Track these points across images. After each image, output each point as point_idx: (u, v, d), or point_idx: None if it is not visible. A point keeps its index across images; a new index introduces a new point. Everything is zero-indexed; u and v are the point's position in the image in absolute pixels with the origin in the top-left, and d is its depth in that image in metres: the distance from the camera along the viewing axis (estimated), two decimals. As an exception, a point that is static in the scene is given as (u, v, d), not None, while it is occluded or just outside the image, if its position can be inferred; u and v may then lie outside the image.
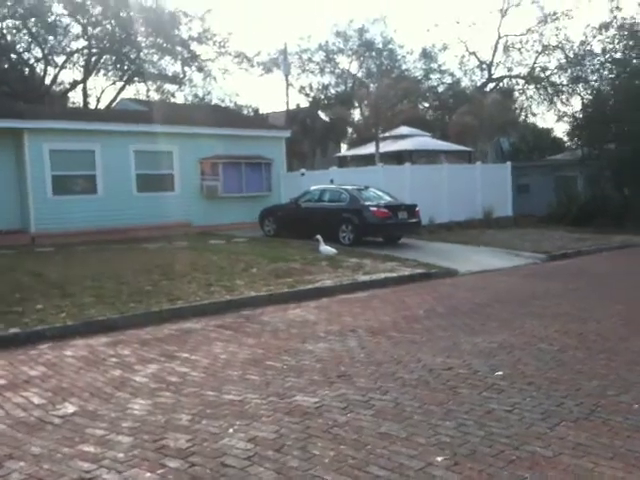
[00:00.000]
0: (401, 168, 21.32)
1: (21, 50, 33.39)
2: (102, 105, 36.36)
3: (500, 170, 24.39)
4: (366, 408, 5.21)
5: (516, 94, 39.96)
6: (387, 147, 26.33)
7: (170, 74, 35.31)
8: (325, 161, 34.42)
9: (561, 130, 75.51)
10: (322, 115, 40.12)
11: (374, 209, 16.55)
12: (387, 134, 25.44)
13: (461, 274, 13.82)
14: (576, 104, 39.85)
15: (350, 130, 38.16)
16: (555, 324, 8.31)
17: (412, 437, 4.59)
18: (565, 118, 33.37)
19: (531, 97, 39.52)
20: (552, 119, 72.14)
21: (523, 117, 39.86)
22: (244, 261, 13.88)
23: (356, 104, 36.86)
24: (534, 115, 39.20)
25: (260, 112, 41.03)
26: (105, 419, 5.12)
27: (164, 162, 20.66)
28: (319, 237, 14.54)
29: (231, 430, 4.80)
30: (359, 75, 42.01)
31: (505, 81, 41.01)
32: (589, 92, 31.94)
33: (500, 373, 6.09)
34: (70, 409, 5.38)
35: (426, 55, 42.68)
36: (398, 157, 25.30)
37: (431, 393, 5.56)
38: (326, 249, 14.63)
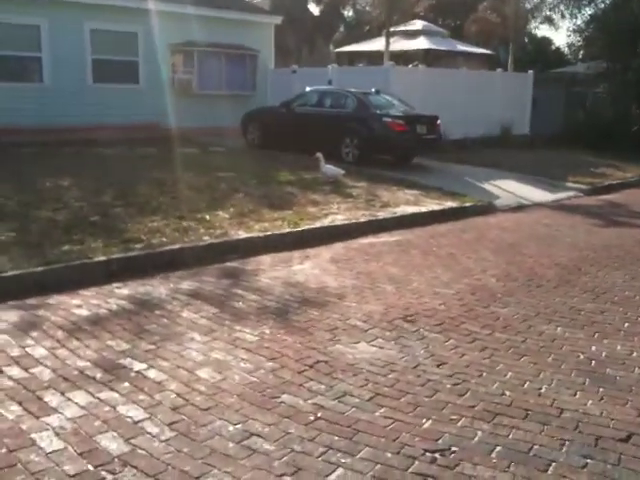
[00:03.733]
0: (413, 70, 17.91)
1: None
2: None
3: (521, 80, 21.07)
4: None
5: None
6: (397, 45, 22.53)
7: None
8: (313, 59, 30.52)
9: (564, 41, 70.84)
10: (312, 8, 35.66)
11: (388, 120, 13.32)
12: (399, 28, 21.59)
13: (500, 209, 10.97)
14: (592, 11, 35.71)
15: (342, 27, 33.93)
16: None
17: None
18: (583, 25, 29.53)
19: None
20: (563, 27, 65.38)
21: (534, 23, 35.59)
22: (226, 181, 10.74)
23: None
24: (561, 18, 33.95)
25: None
26: None
27: (126, 46, 16.93)
28: (319, 155, 11.37)
29: None
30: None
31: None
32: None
33: None
34: None
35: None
36: (405, 58, 21.69)
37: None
38: (330, 169, 11.50)
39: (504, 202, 11.53)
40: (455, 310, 5.40)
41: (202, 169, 11.70)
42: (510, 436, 3.38)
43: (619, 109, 23.52)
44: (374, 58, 21.98)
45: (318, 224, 8.36)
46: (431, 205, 10.26)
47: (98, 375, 3.97)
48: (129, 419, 3.45)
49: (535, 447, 3.28)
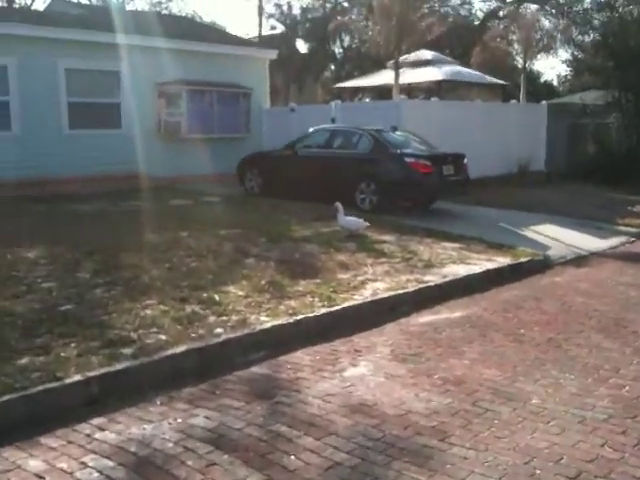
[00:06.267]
0: (427, 104, 16.24)
1: None
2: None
3: (535, 112, 19.49)
4: None
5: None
6: (406, 77, 20.76)
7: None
8: (302, 98, 28.99)
9: (552, 73, 70.34)
10: (299, 46, 34.22)
11: (411, 160, 11.56)
12: (408, 59, 19.91)
13: (556, 262, 9.18)
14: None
15: (332, 65, 32.42)
16: None
17: None
18: (581, 55, 28.22)
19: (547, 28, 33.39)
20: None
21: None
22: (231, 240, 8.86)
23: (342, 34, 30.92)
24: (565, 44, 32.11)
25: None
26: None
27: (107, 87, 15.14)
28: (338, 205, 9.58)
29: None
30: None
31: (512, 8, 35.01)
32: (614, 21, 26.45)
33: None
34: None
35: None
36: (410, 91, 20.09)
37: None
38: (352, 221, 9.66)
39: (557, 253, 9.74)
40: (633, 459, 3.48)
41: (199, 225, 9.83)
42: None
43: (633, 140, 22.09)
44: (376, 93, 20.38)
45: (358, 298, 6.48)
46: (481, 262, 8.42)
47: None
48: None
49: None
